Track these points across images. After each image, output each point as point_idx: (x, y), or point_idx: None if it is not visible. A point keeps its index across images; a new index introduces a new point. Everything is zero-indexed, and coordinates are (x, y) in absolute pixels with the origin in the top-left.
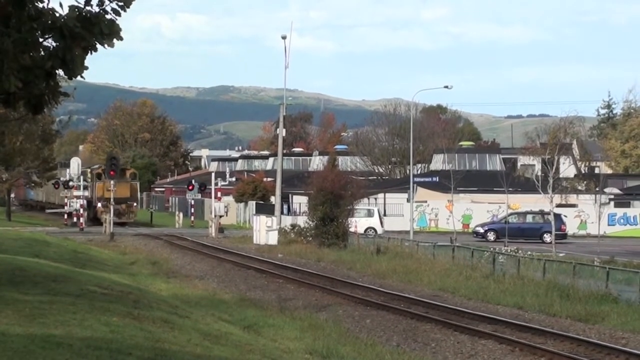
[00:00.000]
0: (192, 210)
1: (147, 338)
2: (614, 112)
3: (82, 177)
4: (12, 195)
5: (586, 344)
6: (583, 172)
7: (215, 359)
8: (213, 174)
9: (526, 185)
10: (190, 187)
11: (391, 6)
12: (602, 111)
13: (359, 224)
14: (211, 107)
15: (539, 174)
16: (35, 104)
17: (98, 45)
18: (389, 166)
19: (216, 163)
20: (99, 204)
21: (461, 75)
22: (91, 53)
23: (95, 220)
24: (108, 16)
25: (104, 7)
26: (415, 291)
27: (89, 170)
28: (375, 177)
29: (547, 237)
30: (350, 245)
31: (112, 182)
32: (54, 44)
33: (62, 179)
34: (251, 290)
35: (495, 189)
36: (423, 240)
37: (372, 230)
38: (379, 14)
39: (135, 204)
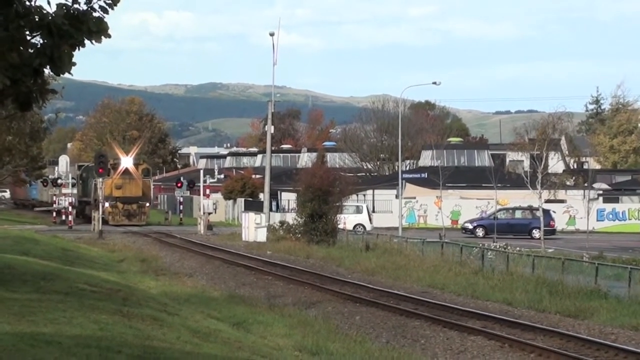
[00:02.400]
0: (181, 207)
1: (137, 335)
2: (603, 107)
3: (70, 175)
4: (6, 193)
5: (575, 339)
6: (572, 167)
7: (205, 356)
8: (202, 171)
9: (515, 181)
10: (179, 185)
11: (377, 3)
12: (591, 107)
13: (347, 220)
14: (199, 104)
15: (528, 169)
16: (23, 101)
17: (86, 41)
18: (378, 162)
19: (205, 160)
20: (107, 204)
21: (449, 71)
22: (79, 49)
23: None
24: (96, 14)
25: (91, 4)
26: (404, 288)
27: None
28: (363, 174)
29: (536, 233)
30: (339, 242)
31: (100, 179)
32: (41, 41)
33: (50, 176)
34: (240, 287)
35: (483, 184)
36: (412, 236)
37: (361, 227)
38: (365, 10)
39: (147, 204)
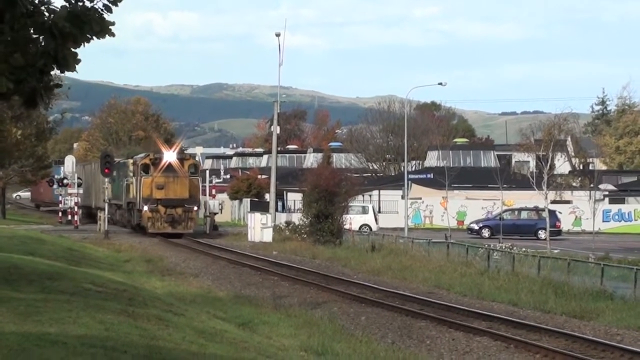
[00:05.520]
0: None
1: (142, 336)
2: (608, 108)
3: (76, 175)
4: (25, 194)
5: (581, 340)
6: (578, 168)
7: (210, 357)
8: (207, 172)
9: (521, 182)
10: None
11: (382, 4)
12: (597, 108)
13: (353, 221)
14: (205, 104)
15: (534, 170)
16: (28, 98)
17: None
18: (384, 163)
19: (210, 160)
20: (145, 207)
21: (455, 72)
22: (83, 45)
23: (138, 227)
24: (98, 13)
25: (94, 3)
26: (410, 288)
27: (130, 161)
28: (369, 174)
29: (542, 234)
30: (345, 243)
31: (106, 179)
32: (44, 42)
33: (56, 176)
34: (246, 287)
35: (489, 185)
36: (418, 237)
37: (367, 227)
38: (370, 11)
39: (195, 208)
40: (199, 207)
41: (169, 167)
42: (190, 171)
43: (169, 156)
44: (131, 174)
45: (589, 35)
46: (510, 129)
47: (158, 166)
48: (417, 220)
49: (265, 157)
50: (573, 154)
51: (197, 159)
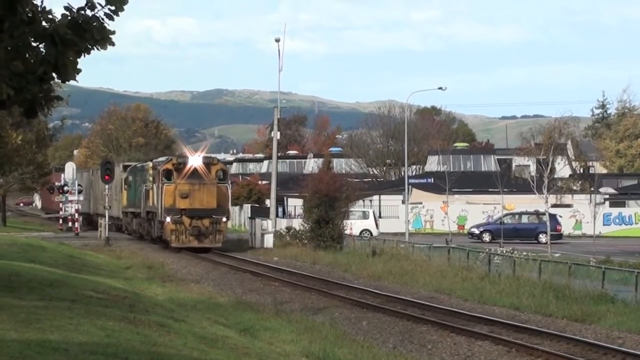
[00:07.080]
0: None
1: (143, 342)
2: (609, 112)
3: (76, 182)
4: (36, 203)
5: (582, 344)
6: (578, 172)
7: None
8: None
9: (521, 186)
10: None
11: (380, 8)
12: (597, 111)
13: (354, 226)
14: (205, 110)
15: (534, 174)
16: (28, 108)
17: (91, 48)
18: (384, 168)
19: None
20: (168, 218)
21: (454, 76)
22: (84, 55)
23: (159, 240)
24: (99, 22)
25: (95, 12)
26: (411, 293)
27: (150, 165)
28: (370, 179)
29: (543, 238)
30: (346, 248)
31: (107, 186)
32: (45, 50)
33: (57, 183)
34: (247, 293)
35: (490, 189)
36: (418, 241)
37: (368, 232)
38: (368, 16)
39: (224, 219)
40: (228, 218)
41: (194, 172)
42: (219, 177)
43: (194, 160)
44: (151, 179)
45: (588, 38)
46: (511, 133)
47: (182, 172)
48: (418, 225)
49: (266, 162)
50: (573, 157)
51: None
